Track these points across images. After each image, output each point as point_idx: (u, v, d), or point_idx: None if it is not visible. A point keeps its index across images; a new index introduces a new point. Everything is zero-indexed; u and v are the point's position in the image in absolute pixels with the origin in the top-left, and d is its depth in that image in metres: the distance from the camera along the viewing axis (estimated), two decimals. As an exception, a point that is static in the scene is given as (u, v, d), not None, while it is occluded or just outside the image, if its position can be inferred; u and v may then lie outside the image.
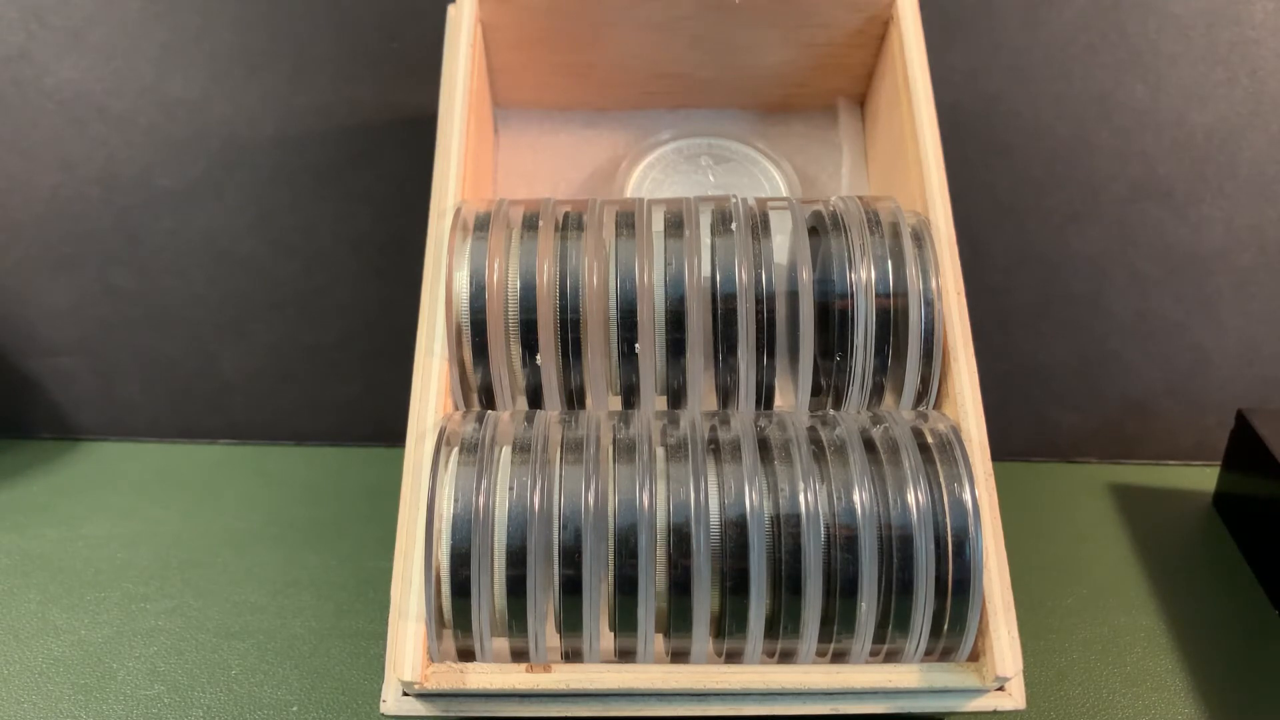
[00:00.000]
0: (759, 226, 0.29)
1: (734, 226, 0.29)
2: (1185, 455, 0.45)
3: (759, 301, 0.28)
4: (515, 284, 0.29)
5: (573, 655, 0.27)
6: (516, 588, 0.26)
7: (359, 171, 0.44)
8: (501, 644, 0.27)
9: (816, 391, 0.30)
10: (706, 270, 0.29)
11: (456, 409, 0.30)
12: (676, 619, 0.26)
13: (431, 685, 0.26)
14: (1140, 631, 0.36)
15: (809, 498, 0.26)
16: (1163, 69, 0.43)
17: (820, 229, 0.30)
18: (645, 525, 0.26)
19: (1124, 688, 0.33)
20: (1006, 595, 0.27)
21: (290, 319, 0.45)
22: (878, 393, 0.29)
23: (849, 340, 0.29)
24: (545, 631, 0.26)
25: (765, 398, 0.30)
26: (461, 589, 0.26)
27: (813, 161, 0.39)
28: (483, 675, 0.26)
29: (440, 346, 0.29)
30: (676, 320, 0.29)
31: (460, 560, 0.26)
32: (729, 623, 0.26)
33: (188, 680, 0.33)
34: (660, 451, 0.27)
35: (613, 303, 0.29)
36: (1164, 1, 0.43)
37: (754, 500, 0.26)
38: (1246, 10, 0.43)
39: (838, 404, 0.30)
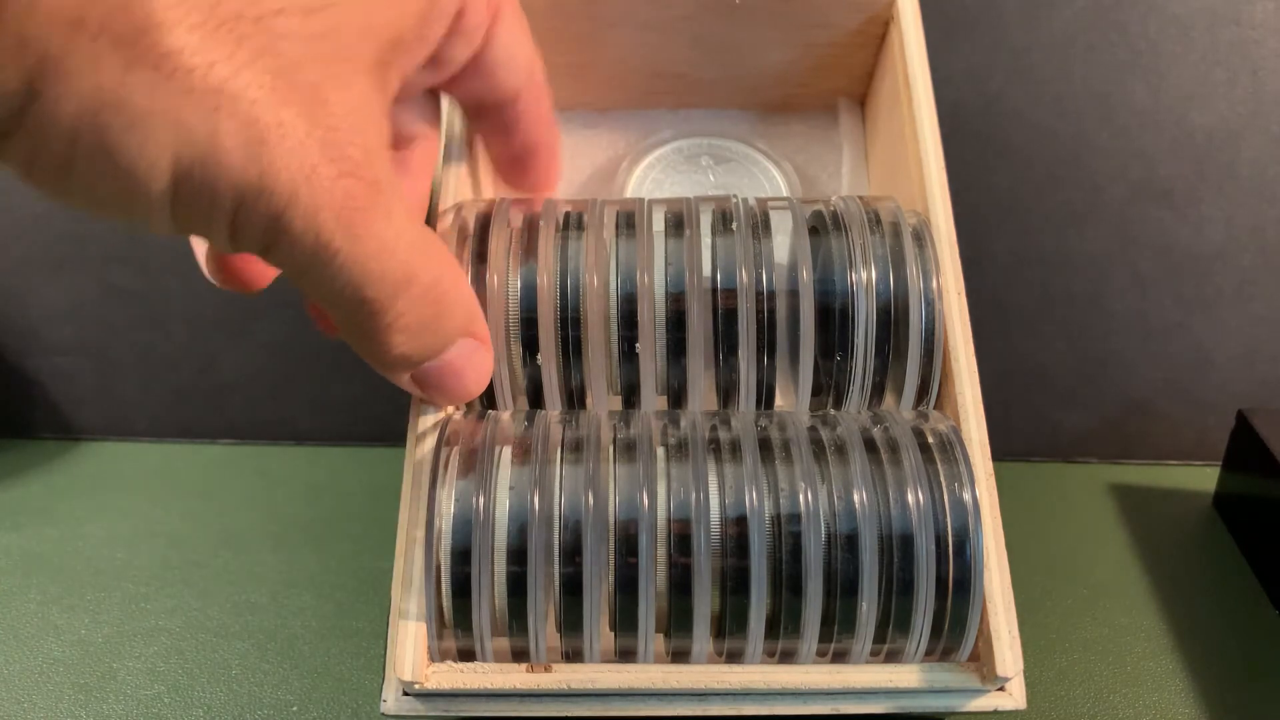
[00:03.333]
0: (759, 226, 0.29)
1: (735, 226, 0.29)
2: (1185, 455, 0.45)
3: (759, 301, 0.28)
4: (515, 283, 0.29)
5: (573, 655, 0.27)
6: (517, 587, 0.26)
7: (359, 171, 0.44)
8: (502, 644, 0.27)
9: (817, 391, 0.30)
10: (707, 270, 0.29)
11: (457, 409, 0.30)
12: (677, 619, 0.26)
13: (432, 685, 0.26)
14: (1140, 631, 0.36)
15: (809, 497, 0.26)
16: (1163, 69, 0.44)
17: (821, 229, 0.30)
18: (645, 525, 0.26)
19: (1124, 688, 0.33)
20: (1007, 595, 0.27)
21: (290, 319, 0.45)
22: (878, 393, 0.29)
23: (849, 340, 0.29)
24: (545, 631, 0.26)
25: (766, 398, 0.30)
26: (462, 589, 0.26)
27: (813, 161, 0.39)
28: (483, 675, 0.26)
29: (440, 346, 0.29)
30: (677, 320, 0.29)
31: (460, 560, 0.26)
32: (729, 623, 0.26)
33: (188, 680, 0.33)
34: (661, 451, 0.27)
35: (613, 302, 0.29)
36: (1164, 1, 0.43)
37: (754, 500, 0.26)
38: (1246, 10, 0.43)
39: (838, 404, 0.30)
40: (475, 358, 0.27)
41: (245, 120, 0.19)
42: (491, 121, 0.31)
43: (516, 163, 0.32)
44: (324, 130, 0.20)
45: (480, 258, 0.29)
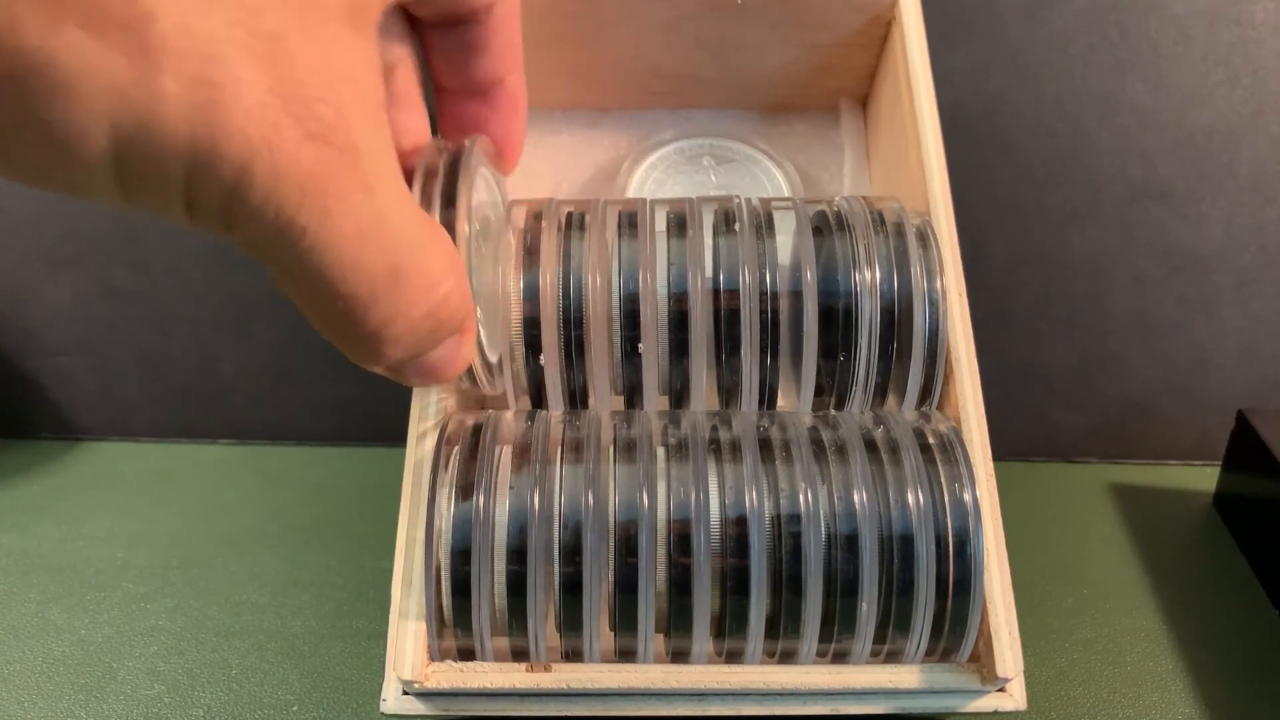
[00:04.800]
0: (762, 226, 0.29)
1: (737, 227, 0.29)
2: (1185, 455, 0.45)
3: (762, 301, 0.28)
4: (518, 284, 0.29)
5: (573, 655, 0.27)
6: (516, 587, 0.26)
7: (359, 171, 0.44)
8: (501, 643, 0.27)
9: (819, 392, 0.30)
10: (709, 270, 0.29)
11: (458, 408, 0.30)
12: (676, 619, 0.26)
13: (432, 684, 0.26)
14: (1140, 631, 0.36)
15: (809, 498, 0.26)
16: (1163, 69, 0.44)
17: (824, 229, 0.30)
18: (645, 525, 0.26)
19: (1124, 688, 0.33)
20: (1007, 595, 0.27)
21: (290, 319, 0.45)
22: (881, 394, 0.29)
23: (853, 341, 0.29)
24: (545, 631, 0.26)
25: (768, 398, 0.30)
26: (462, 588, 0.26)
27: (815, 162, 0.39)
28: (483, 675, 0.26)
29: (441, 346, 0.29)
30: (679, 320, 0.29)
31: (460, 559, 0.26)
32: (729, 623, 0.26)
33: (188, 680, 0.33)
34: (661, 451, 0.27)
35: (616, 303, 0.29)
36: (1164, 1, 0.43)
37: (754, 500, 0.26)
38: (1247, 10, 0.43)
39: (840, 404, 0.30)
40: (461, 350, 0.24)
41: (193, 79, 0.17)
42: (453, 42, 0.26)
43: (476, 98, 0.27)
44: (289, 86, 0.18)
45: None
